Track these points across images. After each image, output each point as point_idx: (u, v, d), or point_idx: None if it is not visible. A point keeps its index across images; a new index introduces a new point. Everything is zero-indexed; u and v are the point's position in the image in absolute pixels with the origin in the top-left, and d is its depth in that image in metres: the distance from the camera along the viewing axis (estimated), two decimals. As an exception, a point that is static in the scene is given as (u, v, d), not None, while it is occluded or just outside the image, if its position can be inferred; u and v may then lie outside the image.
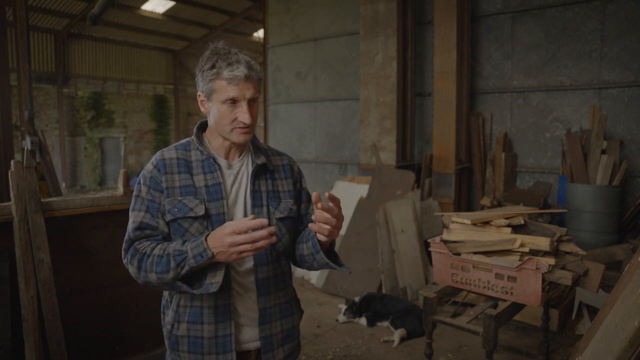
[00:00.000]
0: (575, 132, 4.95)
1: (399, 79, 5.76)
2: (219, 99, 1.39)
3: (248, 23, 15.34)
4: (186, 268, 1.29)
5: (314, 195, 1.29)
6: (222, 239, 1.25)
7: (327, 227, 1.33)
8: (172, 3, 13.36)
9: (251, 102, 1.41)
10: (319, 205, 1.30)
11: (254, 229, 1.25)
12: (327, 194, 1.31)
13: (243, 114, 1.39)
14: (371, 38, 5.85)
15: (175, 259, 1.29)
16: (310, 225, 1.38)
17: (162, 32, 15.28)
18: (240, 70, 1.36)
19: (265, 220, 1.24)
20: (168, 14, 13.98)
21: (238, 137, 1.42)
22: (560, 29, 5.35)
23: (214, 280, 1.34)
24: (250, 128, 1.42)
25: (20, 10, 7.76)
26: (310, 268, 1.55)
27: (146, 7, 13.33)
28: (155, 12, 13.73)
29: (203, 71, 1.40)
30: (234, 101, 1.38)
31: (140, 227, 1.40)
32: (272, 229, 1.24)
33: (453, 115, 5.48)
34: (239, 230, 1.24)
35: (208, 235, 1.29)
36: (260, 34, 14.79)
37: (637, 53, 4.93)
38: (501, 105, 5.85)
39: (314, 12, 7.18)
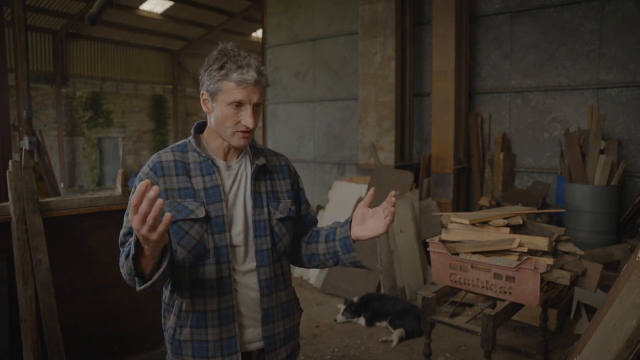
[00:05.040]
0: (574, 132, 4.95)
1: (397, 79, 5.77)
2: (225, 100, 1.37)
3: (247, 23, 15.34)
4: (130, 258, 1.21)
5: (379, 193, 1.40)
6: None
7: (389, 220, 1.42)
8: (171, 3, 13.34)
9: (255, 107, 1.40)
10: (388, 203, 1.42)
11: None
12: (393, 192, 1.42)
13: (247, 118, 1.38)
14: (370, 38, 5.85)
15: (125, 250, 1.27)
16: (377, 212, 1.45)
17: (161, 32, 15.27)
18: (250, 75, 1.35)
19: (147, 181, 1.10)
20: (166, 13, 13.97)
21: (238, 141, 1.42)
22: (558, 29, 5.35)
23: (157, 273, 1.25)
24: (251, 133, 1.42)
25: (18, 10, 7.75)
26: (319, 266, 1.60)
27: (145, 7, 13.32)
28: (153, 12, 13.72)
29: (211, 71, 1.38)
30: (239, 104, 1.37)
31: (130, 232, 1.38)
32: (148, 181, 1.10)
33: (452, 115, 5.48)
34: (134, 210, 1.10)
35: None
36: (259, 34, 14.79)
37: (635, 53, 4.94)
38: (500, 105, 5.85)
39: (312, 12, 7.18)
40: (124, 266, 1.28)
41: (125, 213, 1.42)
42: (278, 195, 1.53)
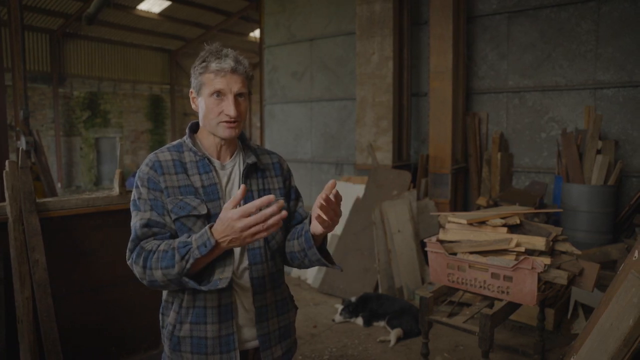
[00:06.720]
0: (571, 132, 4.96)
1: (395, 79, 5.77)
2: (207, 92, 1.41)
3: (244, 23, 15.33)
4: (191, 260, 1.25)
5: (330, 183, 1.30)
6: (232, 226, 1.21)
7: (327, 219, 1.32)
8: (168, 3, 13.32)
9: (238, 98, 1.42)
10: (324, 196, 1.28)
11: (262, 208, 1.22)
12: (334, 191, 1.29)
13: (229, 107, 1.40)
14: (367, 38, 5.85)
15: (180, 251, 1.27)
16: (313, 211, 1.36)
17: (158, 32, 15.24)
18: (227, 63, 1.39)
19: (272, 196, 1.19)
20: (164, 13, 13.95)
21: (223, 131, 1.43)
22: (555, 30, 5.37)
23: (223, 276, 1.33)
24: (236, 123, 1.43)
25: (15, 10, 7.71)
26: (300, 266, 1.56)
27: (142, 6, 13.29)
28: (151, 12, 13.70)
29: (195, 68, 1.44)
30: (220, 94, 1.40)
31: (147, 224, 1.37)
32: (281, 202, 1.19)
33: (449, 115, 5.49)
34: (248, 213, 1.20)
35: (212, 225, 1.26)
36: (256, 34, 14.78)
37: (631, 53, 4.96)
38: (497, 105, 5.86)
39: (310, 12, 7.17)
40: (174, 266, 1.27)
41: (134, 210, 1.42)
42: (270, 193, 1.54)
